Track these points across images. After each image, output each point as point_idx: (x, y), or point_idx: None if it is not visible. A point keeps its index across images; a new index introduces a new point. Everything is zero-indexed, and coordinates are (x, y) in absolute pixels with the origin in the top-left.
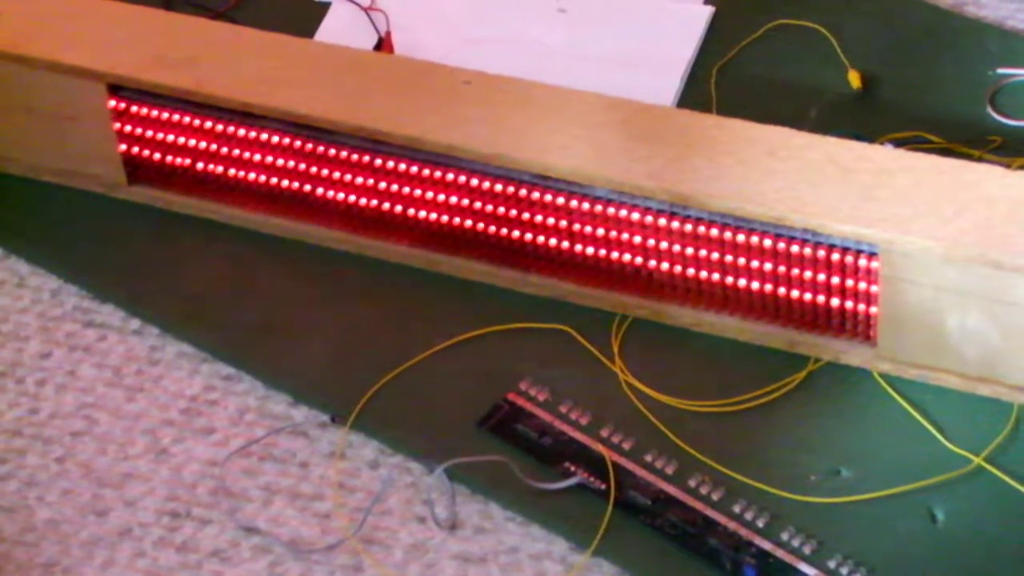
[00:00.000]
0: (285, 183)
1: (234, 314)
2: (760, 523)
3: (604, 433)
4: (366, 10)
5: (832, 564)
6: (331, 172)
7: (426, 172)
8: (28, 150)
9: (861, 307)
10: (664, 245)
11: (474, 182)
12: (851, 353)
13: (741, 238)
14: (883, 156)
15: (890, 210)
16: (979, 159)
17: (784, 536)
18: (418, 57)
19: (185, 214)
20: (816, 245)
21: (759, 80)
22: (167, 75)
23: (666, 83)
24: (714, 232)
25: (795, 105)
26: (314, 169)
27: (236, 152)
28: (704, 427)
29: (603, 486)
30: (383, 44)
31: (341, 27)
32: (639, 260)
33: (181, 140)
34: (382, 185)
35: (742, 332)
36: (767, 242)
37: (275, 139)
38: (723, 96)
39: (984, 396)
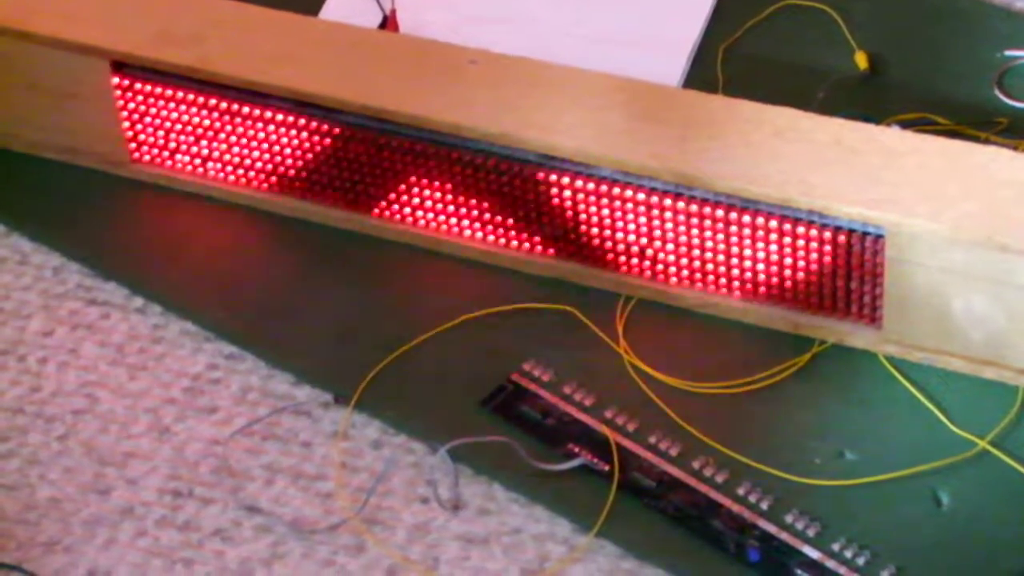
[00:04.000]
0: (289, 161)
1: (238, 293)
2: (764, 505)
3: (608, 414)
4: None
5: (836, 547)
6: (335, 150)
7: (431, 151)
8: (31, 127)
9: (867, 289)
10: (669, 226)
11: (479, 161)
12: (856, 335)
13: (747, 219)
14: (890, 138)
15: (897, 192)
16: (986, 141)
17: (788, 519)
18: (423, 36)
19: (188, 192)
20: (822, 227)
21: (766, 61)
22: (171, 52)
23: (672, 63)
24: (719, 213)
25: (802, 86)
26: (318, 148)
27: (240, 130)
28: (708, 409)
29: (607, 467)
30: (388, 22)
31: (346, 5)
32: (644, 241)
33: (185, 118)
34: (386, 164)
35: (747, 314)
36: (773, 223)
37: (279, 117)
38: (729, 77)
39: (990, 379)
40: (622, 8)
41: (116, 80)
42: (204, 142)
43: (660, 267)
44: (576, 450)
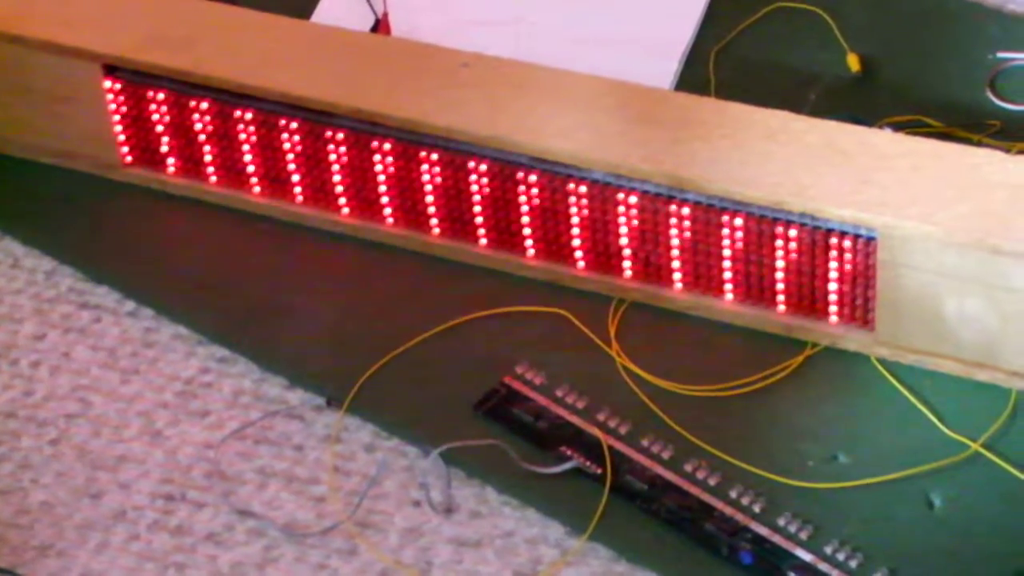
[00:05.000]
0: (281, 165)
1: (230, 296)
2: (757, 508)
3: (600, 417)
4: None
5: (829, 550)
6: (327, 154)
7: (423, 154)
8: (24, 131)
9: (859, 292)
10: (661, 228)
11: (471, 164)
12: (849, 338)
13: (739, 222)
14: (882, 140)
15: (889, 194)
16: (978, 143)
17: (781, 521)
18: (415, 39)
19: (181, 195)
20: (814, 229)
21: (758, 63)
22: (163, 56)
23: (664, 66)
24: (711, 215)
25: (794, 88)
26: (310, 151)
27: (232, 133)
28: (701, 412)
29: (599, 470)
30: (380, 25)
31: (338, 8)
32: (636, 243)
33: (177, 121)
34: (379, 167)
35: (739, 316)
36: (765, 226)
37: (271, 120)
38: (721, 79)
39: (982, 382)
40: (614, 11)
41: (108, 83)
42: (196, 145)
43: (652, 270)
44: (568, 453)
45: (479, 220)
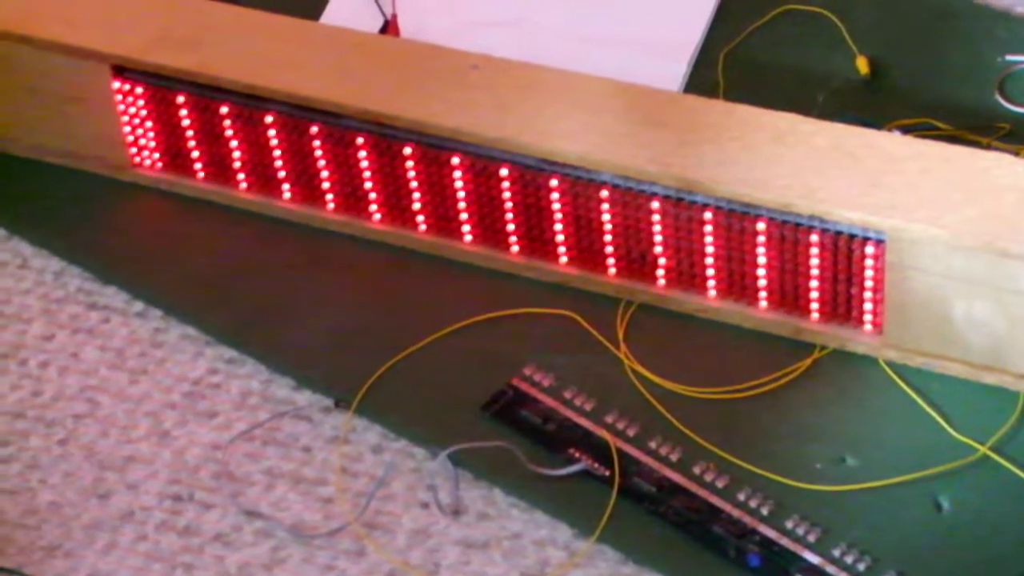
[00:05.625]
0: (289, 166)
1: (238, 297)
2: (765, 511)
3: (609, 419)
4: None
5: (837, 552)
6: (336, 155)
7: (432, 156)
8: (32, 131)
9: (867, 294)
10: (670, 231)
11: (479, 166)
12: (857, 341)
13: (747, 224)
14: (891, 143)
15: (897, 197)
16: (987, 146)
17: (789, 524)
18: (424, 40)
19: (189, 196)
20: (823, 232)
21: (766, 66)
22: (171, 56)
23: (673, 68)
24: (720, 218)
25: (803, 91)
26: (318, 152)
27: (241, 134)
28: (709, 414)
29: (607, 472)
30: (389, 27)
31: (347, 9)
32: (644, 246)
33: (185, 122)
34: (387, 169)
35: (748, 319)
36: (773, 228)
37: (279, 121)
38: (730, 81)
39: (990, 385)
40: (623, 13)
41: (117, 84)
42: (204, 146)
43: (661, 272)
44: (577, 455)
45: (487, 222)
